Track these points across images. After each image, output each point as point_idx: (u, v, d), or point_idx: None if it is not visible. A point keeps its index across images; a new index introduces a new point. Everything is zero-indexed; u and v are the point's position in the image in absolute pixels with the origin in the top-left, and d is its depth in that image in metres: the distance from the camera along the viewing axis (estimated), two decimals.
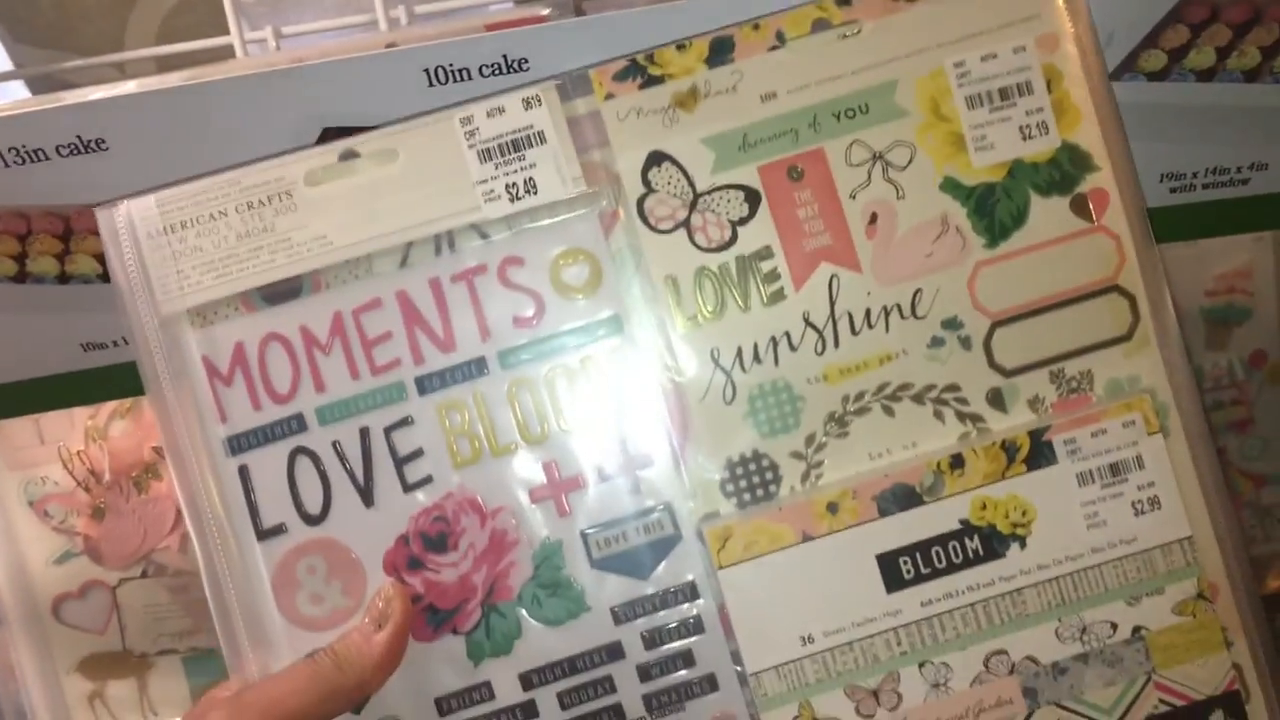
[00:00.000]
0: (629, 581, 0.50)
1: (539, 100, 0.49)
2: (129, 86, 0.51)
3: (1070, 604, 0.49)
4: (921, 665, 0.49)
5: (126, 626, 0.64)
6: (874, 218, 0.50)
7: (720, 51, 0.50)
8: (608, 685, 0.49)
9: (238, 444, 0.49)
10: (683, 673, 0.49)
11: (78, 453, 0.65)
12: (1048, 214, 0.50)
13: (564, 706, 0.49)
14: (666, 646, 0.49)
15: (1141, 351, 0.50)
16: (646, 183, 0.50)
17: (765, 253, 0.50)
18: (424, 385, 0.49)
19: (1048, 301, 0.50)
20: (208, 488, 0.49)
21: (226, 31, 0.63)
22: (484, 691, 0.49)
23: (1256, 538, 0.61)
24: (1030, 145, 0.50)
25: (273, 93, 0.49)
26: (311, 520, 0.49)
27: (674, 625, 0.49)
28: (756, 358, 0.50)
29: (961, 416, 0.50)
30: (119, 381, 0.59)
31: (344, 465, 0.49)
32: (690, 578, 0.49)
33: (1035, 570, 0.49)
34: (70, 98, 0.50)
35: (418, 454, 0.49)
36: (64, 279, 0.55)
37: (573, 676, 0.49)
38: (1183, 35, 0.52)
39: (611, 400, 0.50)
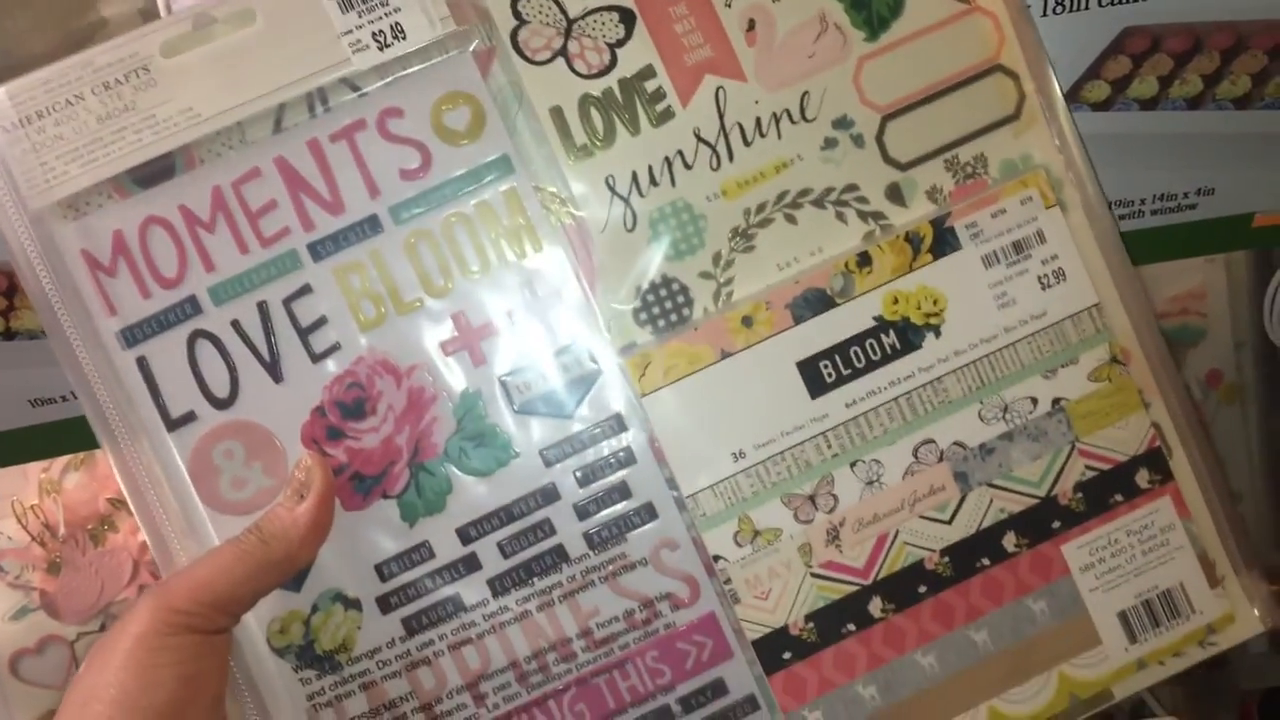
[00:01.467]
0: (555, 422, 0.49)
1: None
2: None
3: (990, 385, 0.50)
4: (853, 465, 0.50)
5: None
6: (751, 24, 0.49)
7: None
8: (547, 529, 0.49)
9: (132, 335, 0.48)
10: (620, 505, 0.49)
11: (31, 507, 0.63)
12: (923, 0, 0.49)
13: (506, 555, 0.49)
14: (600, 481, 0.49)
15: (1031, 129, 0.50)
16: (517, 14, 0.49)
17: (647, 72, 0.49)
18: (317, 251, 0.48)
19: (934, 89, 0.50)
20: (108, 384, 0.47)
21: None
22: (423, 552, 0.49)
23: None
24: None
25: None
26: (221, 404, 0.48)
27: (605, 459, 0.49)
28: (653, 180, 0.49)
29: (863, 215, 0.50)
30: (71, 435, 0.59)
31: (247, 343, 0.48)
32: (616, 410, 0.49)
33: (952, 357, 0.50)
34: None
35: (321, 322, 0.48)
36: (9, 335, 0.56)
37: (510, 525, 0.49)
38: (1125, 66, 0.52)
39: (512, 243, 0.49)
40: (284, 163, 0.48)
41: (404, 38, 0.48)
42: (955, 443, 0.50)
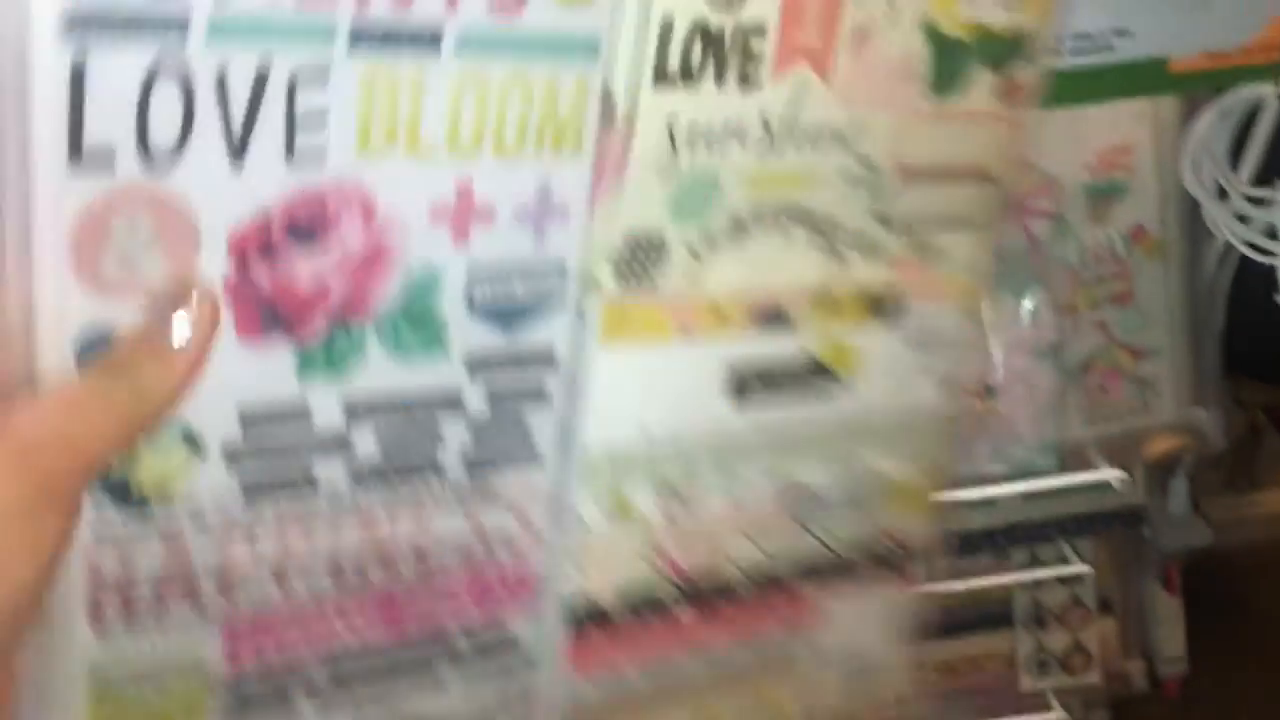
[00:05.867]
0: (496, 335, 0.44)
1: None
2: None
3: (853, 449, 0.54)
4: (732, 479, 0.51)
5: None
6: (857, 33, 0.47)
7: None
8: (433, 437, 0.44)
9: (80, 24, 0.34)
10: (512, 439, 0.46)
11: None
12: (984, 86, 0.51)
13: (384, 449, 0.43)
14: (504, 407, 0.45)
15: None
16: None
17: (760, 29, 0.45)
18: (358, 38, 0.38)
19: (954, 171, 0.51)
20: (11, 74, 0.34)
21: None
22: (300, 412, 0.42)
23: (1138, 409, 0.68)
24: (1005, 16, 0.50)
25: None
26: (154, 161, 0.36)
27: (520, 390, 0.45)
28: (708, 143, 0.45)
29: (845, 256, 0.50)
30: None
31: (221, 104, 0.37)
32: (556, 346, 0.45)
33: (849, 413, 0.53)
34: None
35: (318, 121, 0.38)
36: None
37: (401, 418, 0.44)
38: None
39: (554, 135, 0.42)
40: None
41: None
42: (805, 486, 0.53)
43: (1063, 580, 0.80)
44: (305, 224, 0.39)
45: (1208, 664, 0.91)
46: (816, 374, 0.51)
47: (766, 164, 0.47)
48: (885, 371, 0.53)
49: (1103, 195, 0.66)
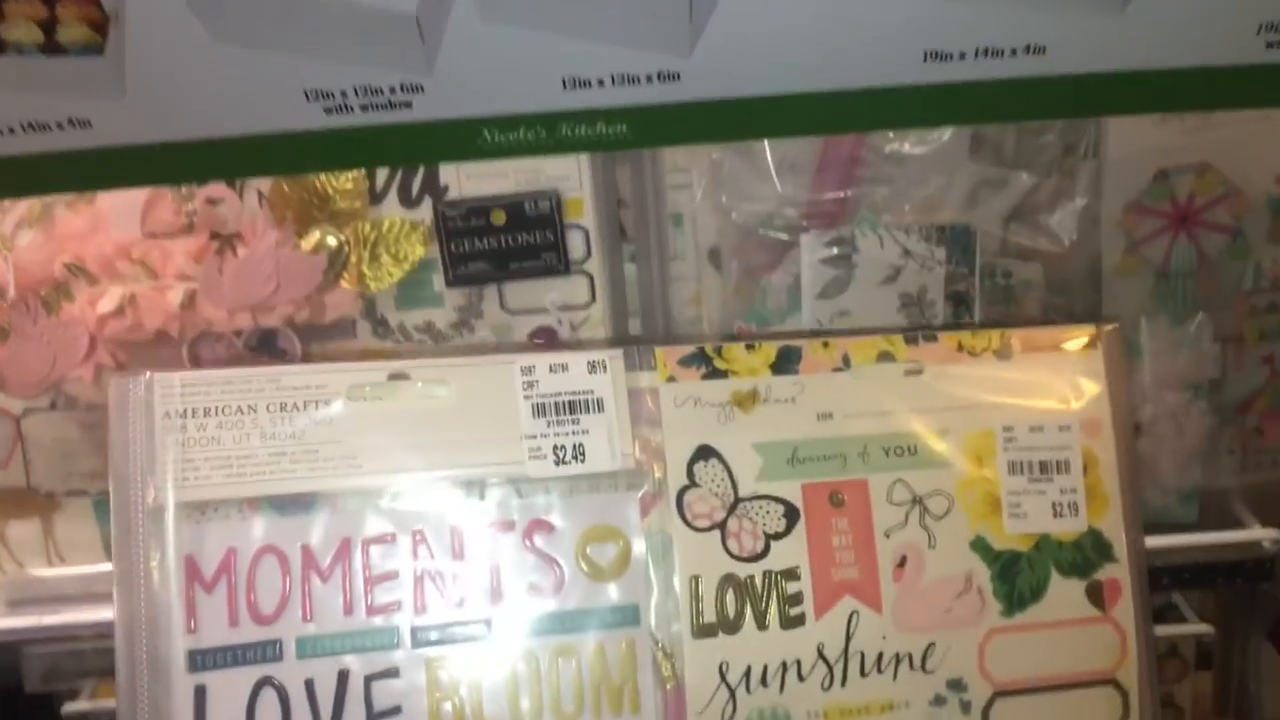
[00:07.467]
0: None
1: (604, 366, 0.49)
2: None
3: None
4: None
5: (32, 461, 0.58)
6: (903, 560, 0.50)
7: (787, 360, 0.51)
8: None
9: (202, 660, 0.45)
10: None
11: None
12: (1064, 594, 0.51)
13: None
14: None
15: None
16: (691, 475, 0.49)
17: (793, 573, 0.50)
18: (419, 637, 0.47)
19: (1049, 682, 0.51)
20: (154, 702, 0.45)
21: None
22: None
23: None
24: (1060, 523, 0.52)
25: None
26: None
27: None
28: (764, 681, 0.49)
29: None
30: (42, 173, 0.45)
31: (312, 708, 0.46)
32: None
33: None
34: None
35: (394, 711, 0.46)
36: None
37: None
38: None
39: (611, 698, 0.48)
40: (422, 538, 0.47)
41: (583, 460, 0.48)
42: None
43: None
44: None
45: None
46: None
47: (836, 696, 0.49)
48: None
49: None
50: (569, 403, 0.48)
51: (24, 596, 0.57)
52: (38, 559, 0.59)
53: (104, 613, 0.50)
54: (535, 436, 0.48)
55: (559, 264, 0.56)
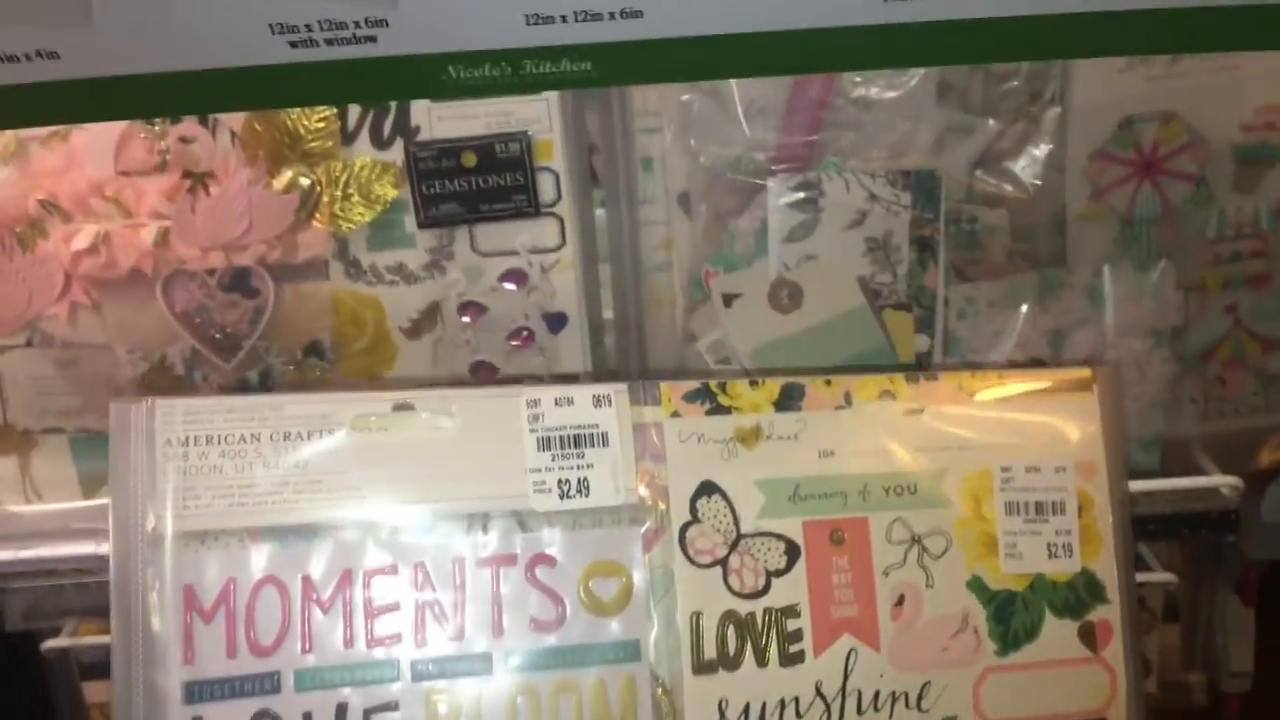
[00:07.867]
0: None
1: (609, 400, 0.49)
2: None
3: None
4: None
5: (8, 399, 0.58)
6: (901, 599, 0.51)
7: (790, 397, 0.51)
8: None
9: (198, 692, 0.45)
10: None
11: None
12: (1057, 635, 0.52)
13: None
14: None
15: None
16: (694, 511, 0.49)
17: (793, 610, 0.50)
18: (419, 671, 0.46)
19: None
20: None
21: None
22: None
23: (1259, 407, 0.56)
24: (1054, 563, 0.52)
25: None
26: None
27: None
28: (763, 719, 0.49)
29: None
30: (12, 106, 0.45)
31: None
32: None
33: None
34: None
35: None
36: None
37: None
38: None
39: None
40: (423, 570, 0.47)
41: (587, 494, 0.48)
42: None
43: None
44: None
45: (1273, 683, 0.76)
46: None
47: None
48: None
49: (1254, 160, 0.55)
50: (574, 436, 0.48)
51: (2, 533, 0.56)
52: (15, 496, 0.58)
53: (82, 548, 0.52)
54: (540, 470, 0.48)
55: (529, 206, 0.55)
